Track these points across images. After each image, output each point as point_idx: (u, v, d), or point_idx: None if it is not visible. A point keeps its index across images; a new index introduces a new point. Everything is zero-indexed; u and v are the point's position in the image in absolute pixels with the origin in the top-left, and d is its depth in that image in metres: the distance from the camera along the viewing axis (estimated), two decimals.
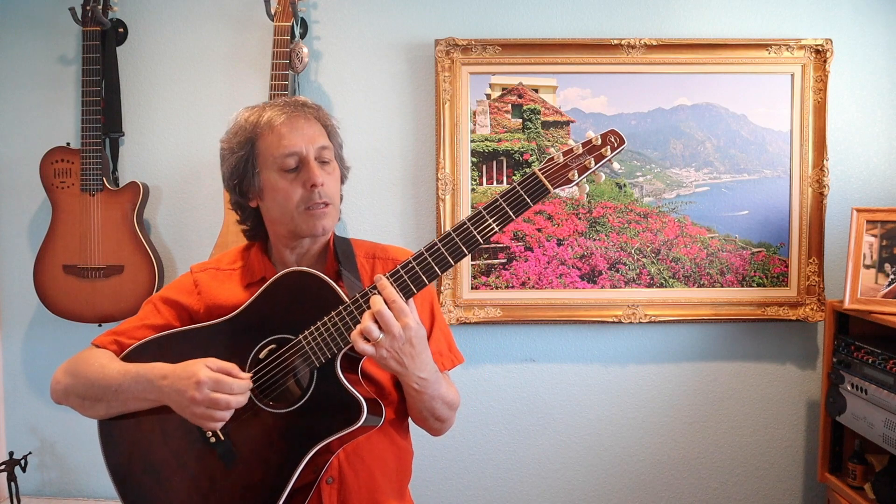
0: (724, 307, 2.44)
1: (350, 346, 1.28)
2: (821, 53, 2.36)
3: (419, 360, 1.30)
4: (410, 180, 2.48)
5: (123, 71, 2.48)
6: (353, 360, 1.35)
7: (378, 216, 2.49)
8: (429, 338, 1.42)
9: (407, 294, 1.28)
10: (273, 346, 1.36)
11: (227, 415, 1.29)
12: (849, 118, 2.43)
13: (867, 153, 2.45)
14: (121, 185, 2.41)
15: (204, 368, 1.28)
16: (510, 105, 2.42)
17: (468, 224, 1.27)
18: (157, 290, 2.35)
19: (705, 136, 2.43)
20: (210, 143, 2.38)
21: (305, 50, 2.34)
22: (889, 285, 2.09)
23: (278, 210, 1.42)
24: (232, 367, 1.31)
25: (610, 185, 2.43)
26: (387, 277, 1.28)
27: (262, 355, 1.36)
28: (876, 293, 2.10)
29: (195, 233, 2.51)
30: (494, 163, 2.43)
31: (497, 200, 1.27)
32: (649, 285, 2.44)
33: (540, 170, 1.27)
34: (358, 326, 1.25)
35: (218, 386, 1.27)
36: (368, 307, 1.26)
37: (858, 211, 2.16)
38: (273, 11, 2.31)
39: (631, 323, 2.43)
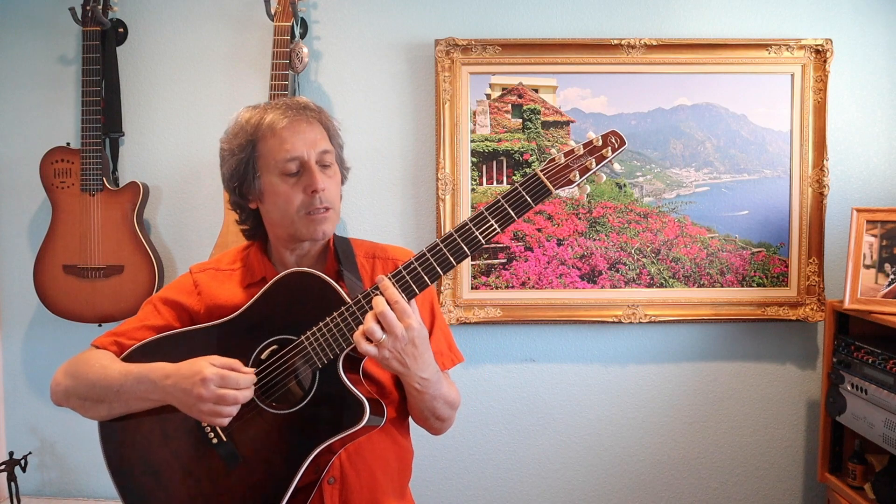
0: (724, 307, 2.44)
1: (352, 346, 1.28)
2: (821, 53, 2.37)
3: (421, 360, 1.31)
4: (410, 180, 2.48)
5: (123, 71, 2.48)
6: (354, 360, 1.35)
7: (378, 216, 2.49)
8: (429, 337, 1.42)
9: (409, 294, 1.28)
10: (275, 346, 1.36)
11: (235, 410, 1.29)
12: (849, 118, 2.43)
13: (867, 153, 2.45)
14: (121, 185, 2.40)
15: (208, 366, 1.28)
16: (510, 105, 2.42)
17: (470, 224, 1.27)
18: (156, 290, 2.35)
19: (705, 136, 2.43)
20: (210, 143, 2.38)
21: (305, 50, 2.34)
22: (889, 285, 2.09)
23: (279, 214, 1.42)
24: (235, 362, 1.31)
25: (610, 185, 2.43)
26: (389, 278, 1.28)
27: (263, 356, 1.36)
28: (876, 293, 2.10)
29: (195, 233, 2.51)
30: (494, 163, 2.43)
31: (499, 201, 1.27)
32: (649, 285, 2.44)
33: (541, 170, 1.27)
34: (361, 327, 1.25)
35: (224, 382, 1.27)
36: (371, 308, 1.26)
37: (858, 211, 2.17)
38: (273, 11, 2.31)
39: (631, 323, 2.43)
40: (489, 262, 2.44)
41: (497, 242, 2.43)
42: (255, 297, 1.39)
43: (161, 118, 2.50)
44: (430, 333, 1.48)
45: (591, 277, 2.44)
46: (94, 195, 2.37)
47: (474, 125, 2.42)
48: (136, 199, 2.39)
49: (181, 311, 1.48)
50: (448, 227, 2.40)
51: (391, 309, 1.25)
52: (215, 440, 1.36)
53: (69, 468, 2.58)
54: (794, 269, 2.43)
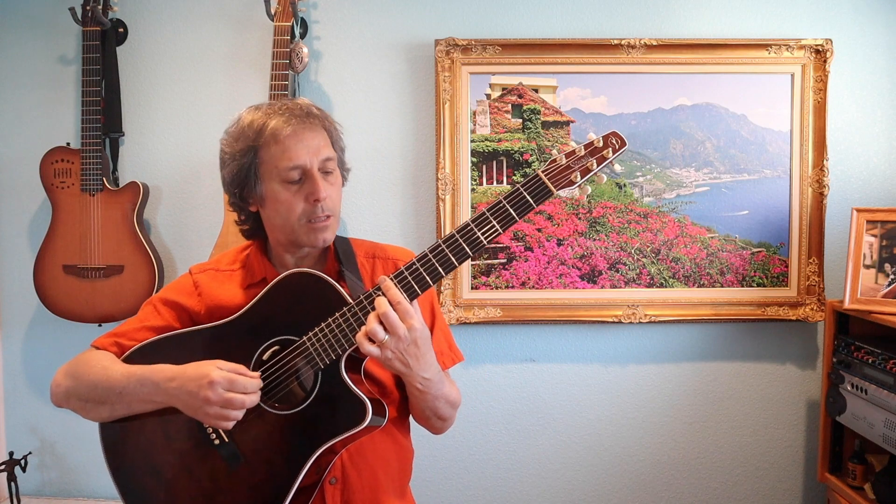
0: (724, 307, 2.44)
1: (355, 347, 1.28)
2: (821, 53, 2.37)
3: (423, 360, 1.31)
4: (410, 180, 2.48)
5: (123, 71, 2.47)
6: (355, 360, 1.35)
7: (378, 216, 2.49)
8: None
9: (411, 295, 1.28)
10: (277, 347, 1.36)
11: (241, 414, 1.29)
12: (849, 118, 2.44)
13: (867, 153, 2.45)
14: (121, 185, 2.40)
15: (216, 369, 1.28)
16: (510, 105, 2.42)
17: (472, 225, 1.27)
18: (156, 291, 2.34)
19: (705, 136, 2.43)
20: (210, 143, 2.37)
21: (305, 50, 2.34)
22: (889, 285, 2.09)
23: (280, 220, 1.41)
24: (241, 367, 1.31)
25: (610, 185, 2.43)
26: (391, 278, 1.29)
27: (265, 357, 1.36)
28: (876, 293, 2.10)
29: (195, 233, 2.51)
30: (494, 163, 2.43)
31: (500, 202, 1.27)
32: (649, 285, 2.44)
33: (543, 171, 1.27)
34: (363, 328, 1.25)
35: (232, 385, 1.27)
36: (373, 308, 1.26)
37: (858, 211, 2.17)
38: (273, 11, 2.31)
39: (631, 323, 2.43)
40: (489, 262, 2.44)
41: (497, 242, 2.43)
42: (257, 297, 1.39)
43: (161, 118, 2.50)
44: (431, 333, 1.48)
45: (591, 277, 2.44)
46: (94, 195, 2.37)
47: (474, 125, 2.42)
48: (136, 199, 2.39)
49: (181, 311, 1.48)
50: (448, 227, 2.41)
51: (394, 309, 1.25)
52: (217, 441, 1.36)
53: (69, 468, 2.58)
54: (794, 269, 2.43)
